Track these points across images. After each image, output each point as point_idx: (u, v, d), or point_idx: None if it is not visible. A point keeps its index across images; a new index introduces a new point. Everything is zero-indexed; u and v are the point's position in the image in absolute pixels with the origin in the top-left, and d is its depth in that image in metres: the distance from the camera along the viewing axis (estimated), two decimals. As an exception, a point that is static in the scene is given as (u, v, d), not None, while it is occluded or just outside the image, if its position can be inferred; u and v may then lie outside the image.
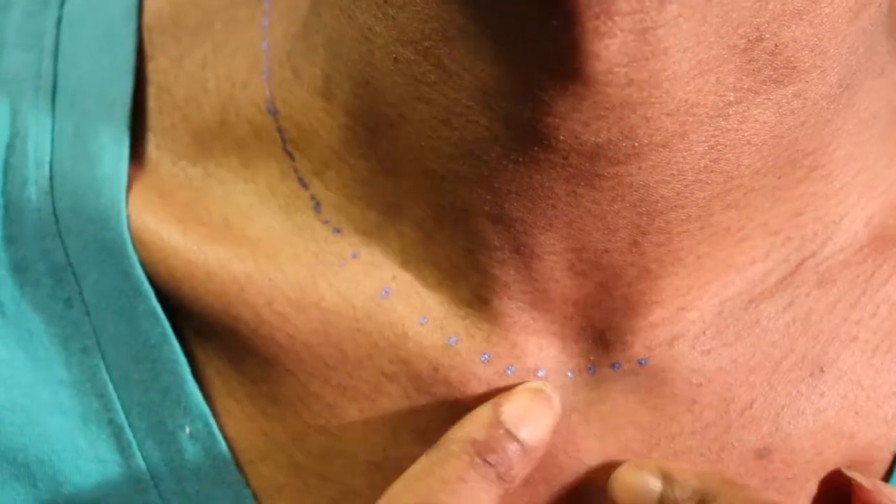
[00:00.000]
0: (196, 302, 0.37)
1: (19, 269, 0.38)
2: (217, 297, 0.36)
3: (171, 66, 0.39)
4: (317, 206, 0.36)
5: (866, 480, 0.36)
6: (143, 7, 0.40)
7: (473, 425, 0.34)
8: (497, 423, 0.34)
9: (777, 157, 0.33)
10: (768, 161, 0.33)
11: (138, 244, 0.37)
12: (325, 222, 0.36)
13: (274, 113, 0.37)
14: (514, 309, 0.35)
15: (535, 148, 0.32)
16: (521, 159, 0.32)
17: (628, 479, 0.36)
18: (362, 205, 0.36)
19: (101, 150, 0.38)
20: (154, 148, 0.39)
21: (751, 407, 0.36)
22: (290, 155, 0.37)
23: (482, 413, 0.35)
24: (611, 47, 0.29)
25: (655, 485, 0.35)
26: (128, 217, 0.37)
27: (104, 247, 0.37)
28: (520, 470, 0.34)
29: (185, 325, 0.38)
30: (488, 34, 0.30)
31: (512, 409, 0.35)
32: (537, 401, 0.35)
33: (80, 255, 0.37)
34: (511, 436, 0.34)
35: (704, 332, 0.36)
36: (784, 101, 0.32)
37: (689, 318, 0.36)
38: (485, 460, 0.34)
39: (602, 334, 0.36)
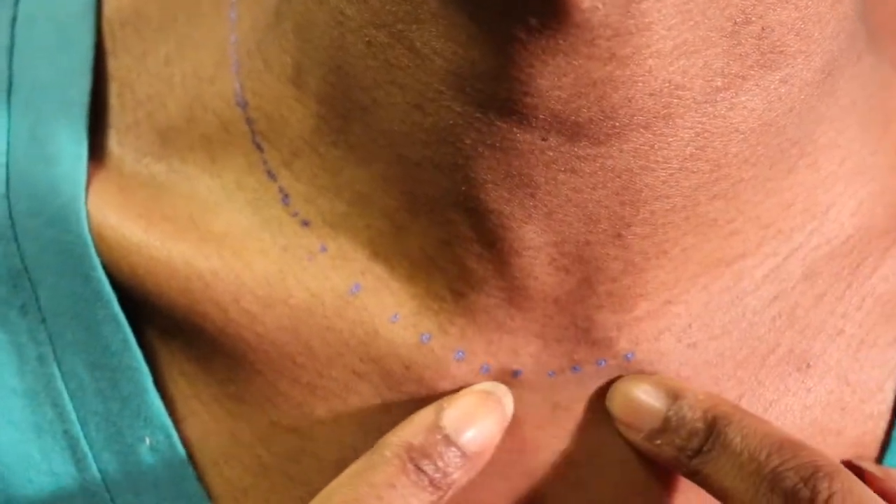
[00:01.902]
0: (160, 300, 0.35)
1: None
2: (182, 294, 0.35)
3: (133, 63, 0.38)
4: (285, 199, 0.35)
5: (878, 469, 0.35)
6: (103, 1, 0.39)
7: (412, 429, 0.33)
8: (436, 427, 0.33)
9: (766, 145, 0.33)
10: (757, 150, 0.33)
11: (99, 242, 0.36)
12: (294, 214, 0.35)
13: (243, 105, 0.36)
14: (491, 305, 0.34)
15: (513, 130, 0.31)
16: (497, 144, 0.31)
17: (631, 391, 0.34)
18: (331, 195, 0.35)
19: (58, 150, 0.37)
20: (116, 145, 0.37)
21: (739, 402, 0.35)
22: (259, 147, 0.36)
23: (423, 416, 0.33)
24: (593, 20, 0.28)
25: (661, 400, 0.34)
26: (88, 216, 0.36)
27: (63, 250, 0.36)
28: (459, 476, 0.33)
29: (149, 326, 0.36)
30: (461, 15, 0.29)
31: (455, 412, 0.33)
32: (484, 404, 0.34)
33: (37, 260, 0.36)
34: (450, 441, 0.33)
35: (690, 325, 0.35)
36: (772, 87, 0.31)
37: (675, 312, 0.35)
38: (417, 466, 0.32)
39: (586, 332, 0.34)
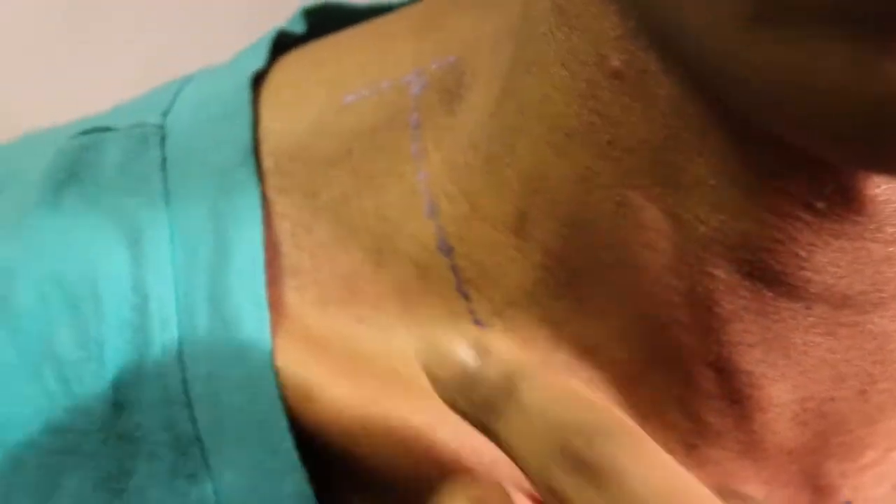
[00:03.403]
0: (374, 466, 0.33)
1: (130, 440, 0.33)
2: (402, 456, 0.33)
3: (304, 200, 0.35)
4: None
5: None
6: (261, 132, 0.36)
7: None
8: None
9: None
10: None
11: (295, 408, 0.33)
12: None
13: (447, 251, 0.34)
14: (723, 458, 0.33)
15: (780, 299, 0.30)
16: (759, 310, 0.30)
17: (439, 342, 0.30)
18: (550, 347, 0.33)
19: (237, 309, 0.34)
20: (294, 293, 0.34)
21: None
22: (466, 295, 0.34)
23: None
24: (886, 211, 0.28)
25: (468, 356, 0.29)
26: (279, 384, 0.33)
27: (249, 420, 0.33)
28: None
29: (344, 491, 0.34)
30: (733, 189, 0.28)
31: None
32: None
33: (214, 427, 0.33)
34: None
35: None
36: None
37: (893, 458, 0.34)
38: None
39: (812, 479, 0.34)
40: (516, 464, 0.28)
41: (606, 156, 0.30)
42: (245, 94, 0.36)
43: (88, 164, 0.36)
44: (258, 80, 0.37)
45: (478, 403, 0.29)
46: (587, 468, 0.25)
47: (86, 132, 0.37)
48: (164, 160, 0.36)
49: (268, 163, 0.35)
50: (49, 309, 0.34)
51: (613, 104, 0.29)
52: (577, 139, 0.30)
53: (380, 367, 0.34)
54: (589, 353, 0.33)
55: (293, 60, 0.38)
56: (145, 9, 0.88)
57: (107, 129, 0.37)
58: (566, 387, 0.28)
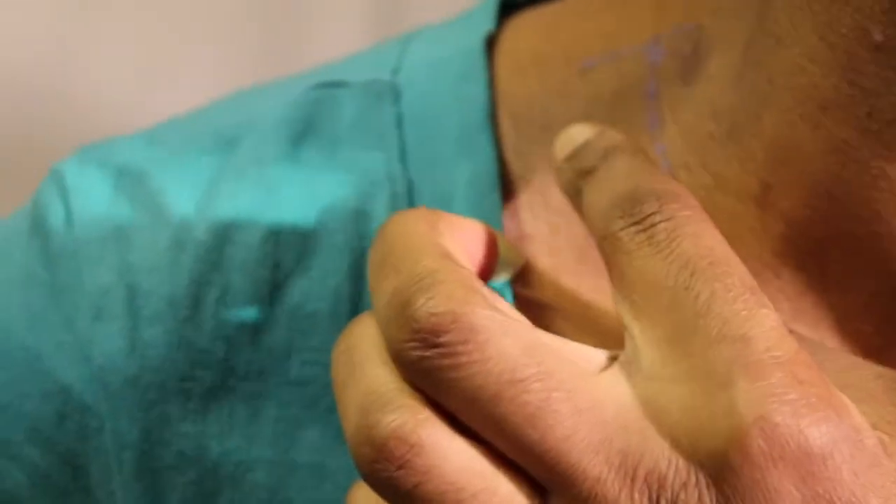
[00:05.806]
0: None
1: None
2: None
3: (542, 164, 0.35)
4: None
5: None
6: (499, 94, 0.36)
7: None
8: None
9: None
10: None
11: None
12: None
13: None
14: None
15: None
16: None
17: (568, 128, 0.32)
18: (788, 317, 0.33)
19: None
20: (533, 257, 0.35)
21: None
22: None
23: None
24: None
25: (585, 132, 0.32)
26: None
27: None
28: None
29: None
30: None
31: None
32: None
33: None
34: None
35: None
36: None
37: None
38: None
39: None
40: (585, 216, 0.30)
41: (865, 128, 0.30)
42: (481, 57, 0.37)
43: (324, 118, 0.37)
44: (489, 43, 0.37)
45: (577, 168, 0.31)
46: (650, 224, 0.27)
47: (319, 86, 0.37)
48: (399, 117, 0.36)
49: (506, 125, 0.36)
50: (284, 258, 0.35)
51: (875, 77, 0.29)
52: (834, 111, 0.30)
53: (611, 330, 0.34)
54: (830, 324, 0.33)
55: (526, 24, 0.38)
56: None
57: (340, 84, 0.37)
58: (654, 165, 0.30)
